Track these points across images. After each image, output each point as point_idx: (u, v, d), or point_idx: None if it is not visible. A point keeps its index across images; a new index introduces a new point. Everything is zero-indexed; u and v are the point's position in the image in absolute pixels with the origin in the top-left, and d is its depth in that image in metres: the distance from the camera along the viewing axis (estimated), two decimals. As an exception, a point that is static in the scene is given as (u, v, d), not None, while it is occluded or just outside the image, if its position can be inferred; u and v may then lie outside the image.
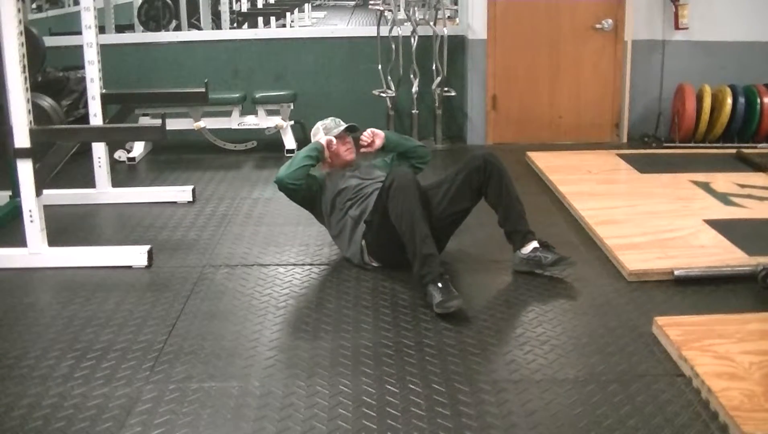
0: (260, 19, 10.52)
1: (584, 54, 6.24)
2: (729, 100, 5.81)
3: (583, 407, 2.53)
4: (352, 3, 19.25)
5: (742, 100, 5.84)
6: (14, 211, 4.33)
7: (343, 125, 3.90)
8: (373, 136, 3.84)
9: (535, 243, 3.59)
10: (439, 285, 3.21)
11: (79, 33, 4.79)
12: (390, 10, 6.20)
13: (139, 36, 8.05)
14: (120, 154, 5.89)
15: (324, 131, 3.89)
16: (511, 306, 3.35)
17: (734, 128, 5.90)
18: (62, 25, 8.49)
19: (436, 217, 3.55)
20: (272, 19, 10.85)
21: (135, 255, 3.81)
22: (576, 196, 4.63)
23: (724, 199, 4.56)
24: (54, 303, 3.46)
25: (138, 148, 5.98)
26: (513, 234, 3.62)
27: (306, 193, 3.76)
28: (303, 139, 6.20)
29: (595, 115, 6.33)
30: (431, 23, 6.19)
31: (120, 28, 8.69)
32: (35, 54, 4.84)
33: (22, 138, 3.67)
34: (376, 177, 3.81)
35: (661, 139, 6.15)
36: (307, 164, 3.70)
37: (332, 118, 3.98)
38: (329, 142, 3.80)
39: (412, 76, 6.17)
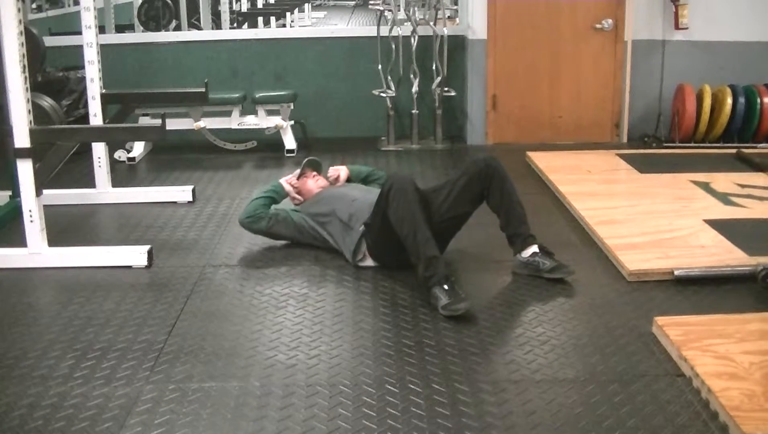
0: (260, 19, 10.53)
1: (584, 54, 6.23)
2: (729, 100, 5.81)
3: (583, 407, 2.53)
4: (352, 3, 19.23)
5: (742, 100, 5.84)
6: (14, 211, 4.33)
7: (302, 164, 4.19)
8: (338, 171, 4.15)
9: (534, 248, 3.58)
10: (446, 287, 3.21)
11: (79, 33, 4.78)
12: (390, 10, 6.20)
13: (139, 36, 8.05)
14: (120, 154, 5.88)
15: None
16: (511, 306, 3.35)
17: (734, 128, 5.90)
18: (62, 25, 8.48)
19: (437, 220, 3.54)
20: (272, 19, 10.86)
21: (135, 255, 3.81)
22: (576, 196, 4.62)
23: (724, 198, 4.56)
24: (54, 303, 3.46)
25: (138, 148, 5.98)
26: (514, 238, 3.63)
27: (271, 222, 3.91)
28: (303, 139, 6.23)
29: (595, 115, 6.32)
30: (431, 23, 6.19)
31: (120, 28, 8.70)
32: (35, 54, 4.86)
33: (22, 138, 3.66)
34: (357, 187, 4.00)
35: (661, 139, 6.14)
36: (261, 197, 3.96)
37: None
38: (288, 181, 4.07)
39: (412, 76, 6.16)
